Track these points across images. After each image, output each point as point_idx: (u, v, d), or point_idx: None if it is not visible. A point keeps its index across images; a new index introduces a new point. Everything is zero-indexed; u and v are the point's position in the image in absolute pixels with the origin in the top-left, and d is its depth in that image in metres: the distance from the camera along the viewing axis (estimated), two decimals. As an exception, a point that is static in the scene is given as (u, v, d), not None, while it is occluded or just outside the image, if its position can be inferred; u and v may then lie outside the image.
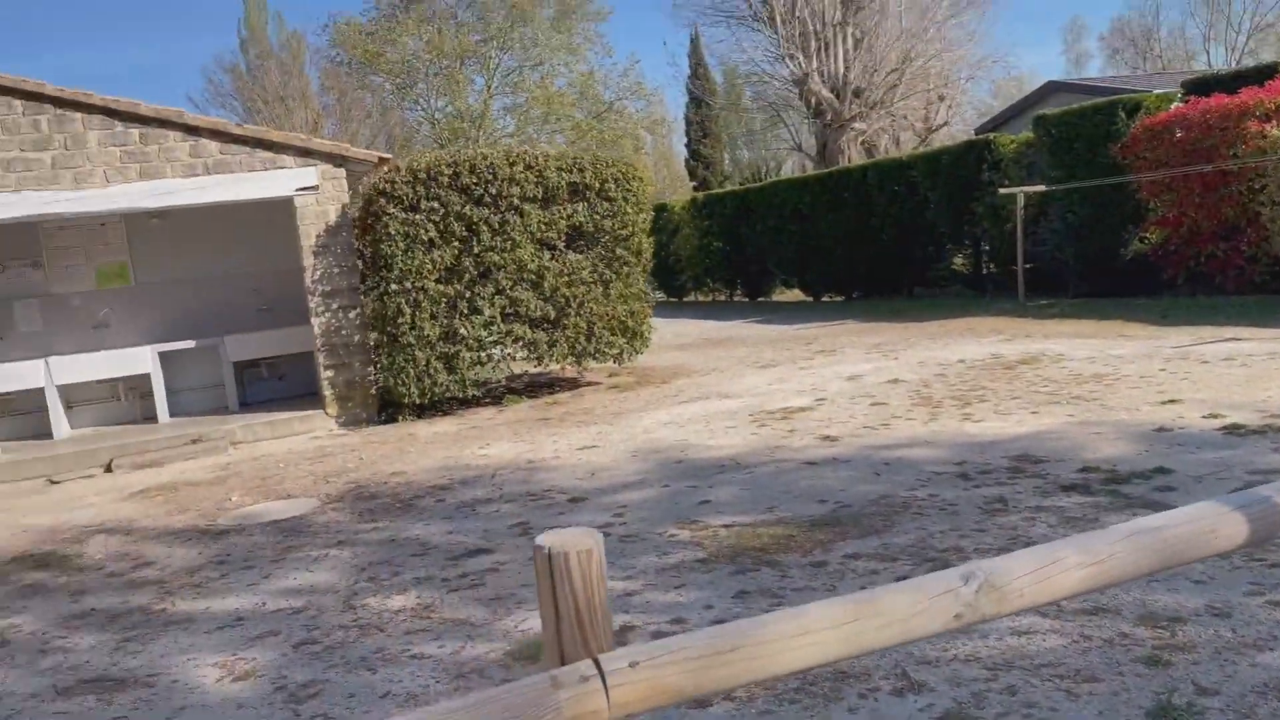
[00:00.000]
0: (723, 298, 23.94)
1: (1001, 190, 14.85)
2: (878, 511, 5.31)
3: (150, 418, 11.30)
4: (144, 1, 50.73)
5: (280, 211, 11.38)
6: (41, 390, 10.54)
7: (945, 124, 31.01)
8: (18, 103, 9.47)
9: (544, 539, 1.26)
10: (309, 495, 7.45)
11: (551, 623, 1.23)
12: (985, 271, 16.97)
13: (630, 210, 11.07)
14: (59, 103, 9.57)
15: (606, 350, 11.09)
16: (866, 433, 7.28)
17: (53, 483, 9.25)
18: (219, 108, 33.12)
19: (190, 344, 11.15)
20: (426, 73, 36.77)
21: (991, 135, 16.37)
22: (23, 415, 10.69)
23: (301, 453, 9.37)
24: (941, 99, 30.78)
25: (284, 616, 4.75)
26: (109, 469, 9.53)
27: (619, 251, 11.06)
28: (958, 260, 17.68)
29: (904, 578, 4.20)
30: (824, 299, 20.08)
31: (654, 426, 8.51)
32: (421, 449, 8.81)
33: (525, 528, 5.83)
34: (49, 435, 10.64)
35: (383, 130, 31.99)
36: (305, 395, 11.92)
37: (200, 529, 6.76)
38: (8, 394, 10.32)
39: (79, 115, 9.67)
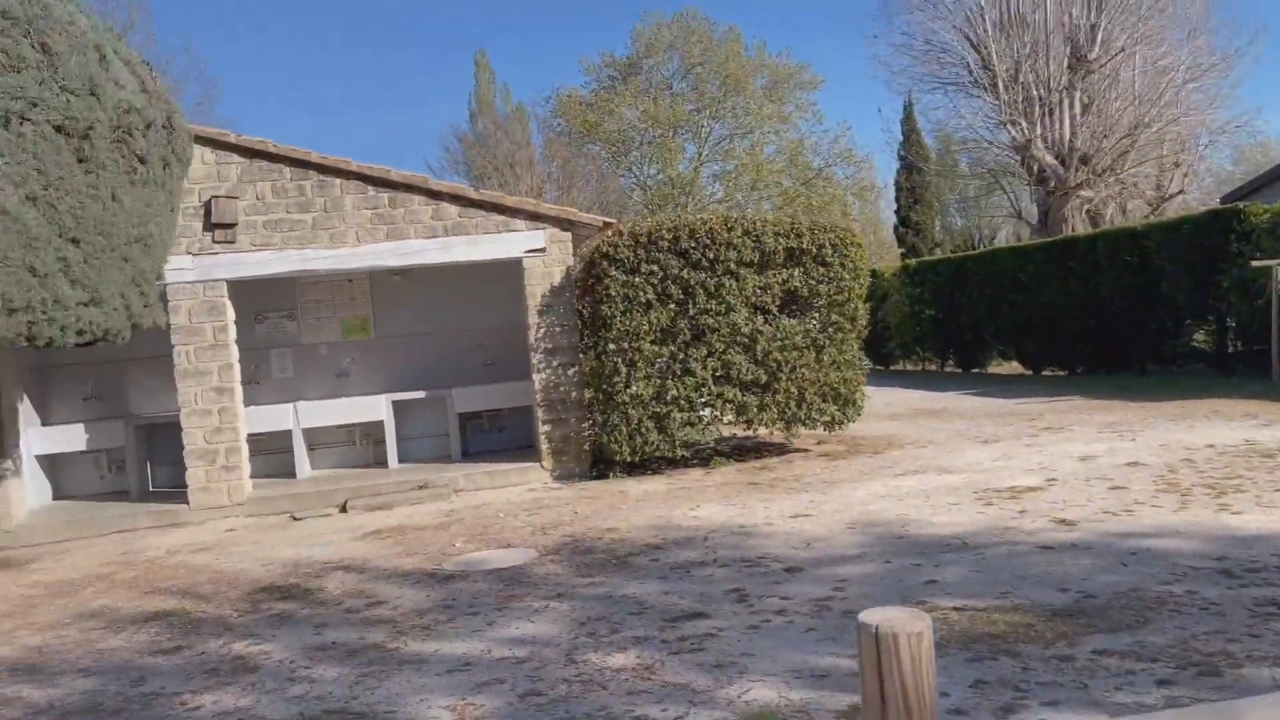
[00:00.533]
0: (933, 367, 23.17)
1: (1254, 263, 13.71)
2: (1128, 605, 4.90)
3: (381, 462, 12.01)
4: (388, 74, 55.20)
5: (508, 272, 11.96)
6: (289, 432, 11.41)
7: (1181, 192, 29.09)
8: (287, 169, 10.44)
9: (870, 617, 1.22)
10: (527, 545, 7.66)
11: (875, 706, 1.18)
12: (1231, 349, 15.64)
13: (847, 276, 10.93)
14: (321, 169, 10.48)
15: (817, 417, 10.92)
16: (1107, 518, 6.78)
17: (295, 519, 9.95)
18: (452, 173, 35.37)
19: (421, 394, 11.81)
20: (640, 141, 38.05)
21: (1241, 204, 15.18)
22: (272, 455, 11.58)
23: (519, 503, 9.67)
24: (1177, 165, 28.93)
25: (509, 665, 4.85)
26: (344, 509, 10.16)
27: (834, 317, 10.93)
28: (1199, 336, 16.39)
29: (1167, 681, 3.85)
30: (1044, 372, 19.06)
31: (869, 498, 8.26)
32: (633, 507, 8.91)
33: (741, 594, 5.75)
34: (293, 475, 11.48)
35: (599, 196, 33.30)
36: (522, 448, 12.35)
37: (427, 572, 7.06)
38: (260, 434, 11.22)
39: (338, 181, 10.55)
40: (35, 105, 7.39)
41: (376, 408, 11.61)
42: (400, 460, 11.78)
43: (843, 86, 56.22)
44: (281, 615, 6.22)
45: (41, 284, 7.39)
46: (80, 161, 7.85)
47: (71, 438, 10.98)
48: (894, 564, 6.11)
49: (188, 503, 10.34)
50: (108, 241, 8.17)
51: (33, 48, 7.37)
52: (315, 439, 11.89)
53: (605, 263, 10.55)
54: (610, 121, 36.90)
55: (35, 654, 5.84)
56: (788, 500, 8.54)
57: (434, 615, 5.89)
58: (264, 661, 5.27)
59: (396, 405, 11.74)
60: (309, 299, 12.10)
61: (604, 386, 10.64)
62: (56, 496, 11.43)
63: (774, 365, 10.71)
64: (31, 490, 10.70)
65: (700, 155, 38.83)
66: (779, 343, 10.72)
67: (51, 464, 11.33)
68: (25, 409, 10.74)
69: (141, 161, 8.63)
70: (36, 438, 10.81)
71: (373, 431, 12.12)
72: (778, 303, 10.80)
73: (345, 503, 10.28)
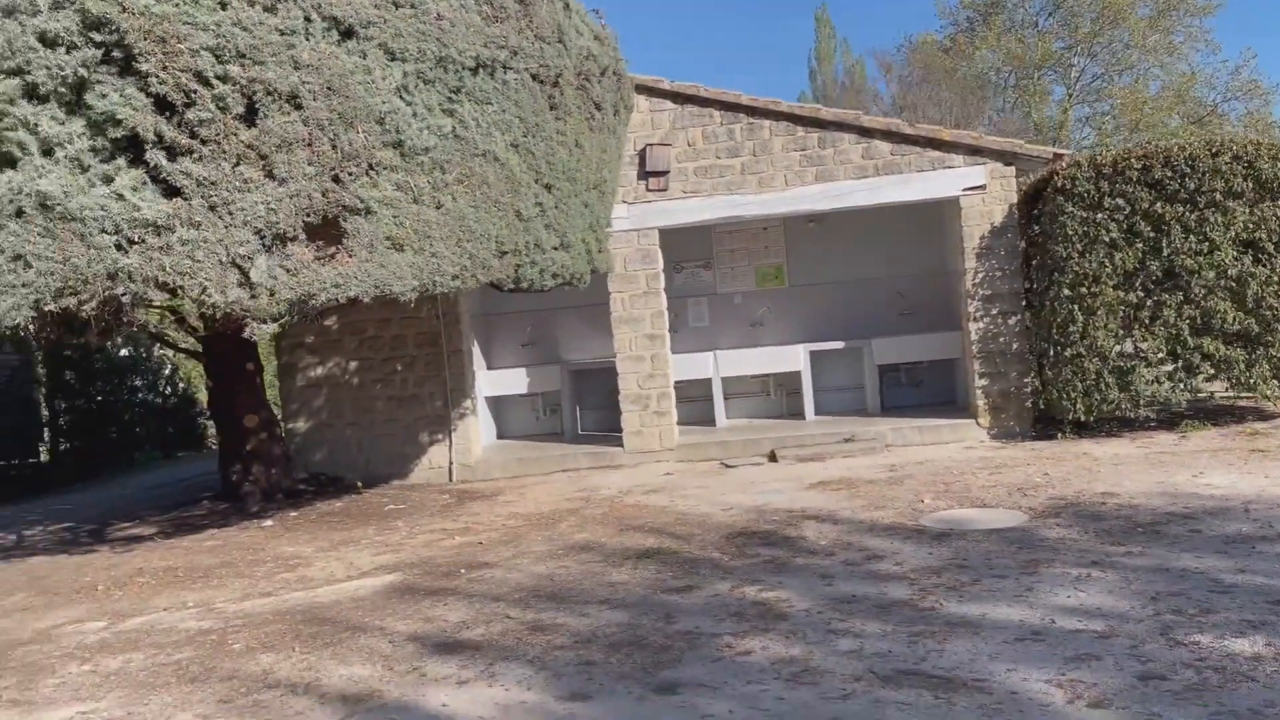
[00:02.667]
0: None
1: None
2: None
3: (794, 414, 11.72)
4: (724, 39, 55.15)
5: (929, 215, 11.18)
6: (707, 381, 11.40)
7: None
8: (716, 113, 10.29)
9: None
10: (1008, 507, 6.94)
11: None
12: None
13: (1367, 207, 9.05)
14: (751, 111, 10.23)
15: (1322, 376, 9.19)
16: None
17: (727, 466, 9.86)
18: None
19: (839, 345, 11.35)
20: (1001, 86, 35.30)
21: None
22: (688, 403, 11.63)
23: (965, 461, 8.94)
24: None
25: (1091, 640, 4.20)
26: (773, 458, 9.94)
27: (1348, 257, 9.11)
28: None
29: None
30: None
31: None
32: (1112, 470, 7.88)
33: (1348, 578, 4.70)
34: (709, 423, 11.47)
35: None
36: (940, 404, 11.56)
37: (909, 528, 6.56)
38: (680, 382, 11.27)
39: (766, 123, 10.25)
40: (515, 54, 7.62)
41: (794, 358, 11.30)
42: (816, 413, 11.40)
43: (1246, 3, 48.82)
44: (775, 562, 5.97)
45: (525, 228, 7.64)
46: (551, 109, 8.04)
47: (515, 381, 11.64)
48: None
49: (621, 446, 10.60)
50: (572, 187, 8.35)
51: (513, -2, 7.57)
52: (729, 388, 11.80)
53: (1059, 198, 9.45)
54: (967, 67, 34.45)
55: (549, 582, 6.00)
56: (1320, 470, 7.15)
57: (952, 575, 5.36)
58: (789, 610, 4.99)
59: (813, 356, 11.36)
60: (724, 248, 12.00)
61: (1054, 337, 9.59)
62: (498, 436, 12.21)
63: (1269, 314, 9.13)
64: (483, 429, 11.46)
65: (1069, 97, 35.30)
66: (1275, 287, 9.11)
67: (494, 405, 12.10)
68: (475, 354, 11.51)
69: (598, 108, 8.75)
70: (485, 381, 11.56)
71: (786, 382, 11.85)
72: (1275, 240, 9.16)
73: (772, 452, 10.07)
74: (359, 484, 10.31)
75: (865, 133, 10.18)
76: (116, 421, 16.63)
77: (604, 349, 12.01)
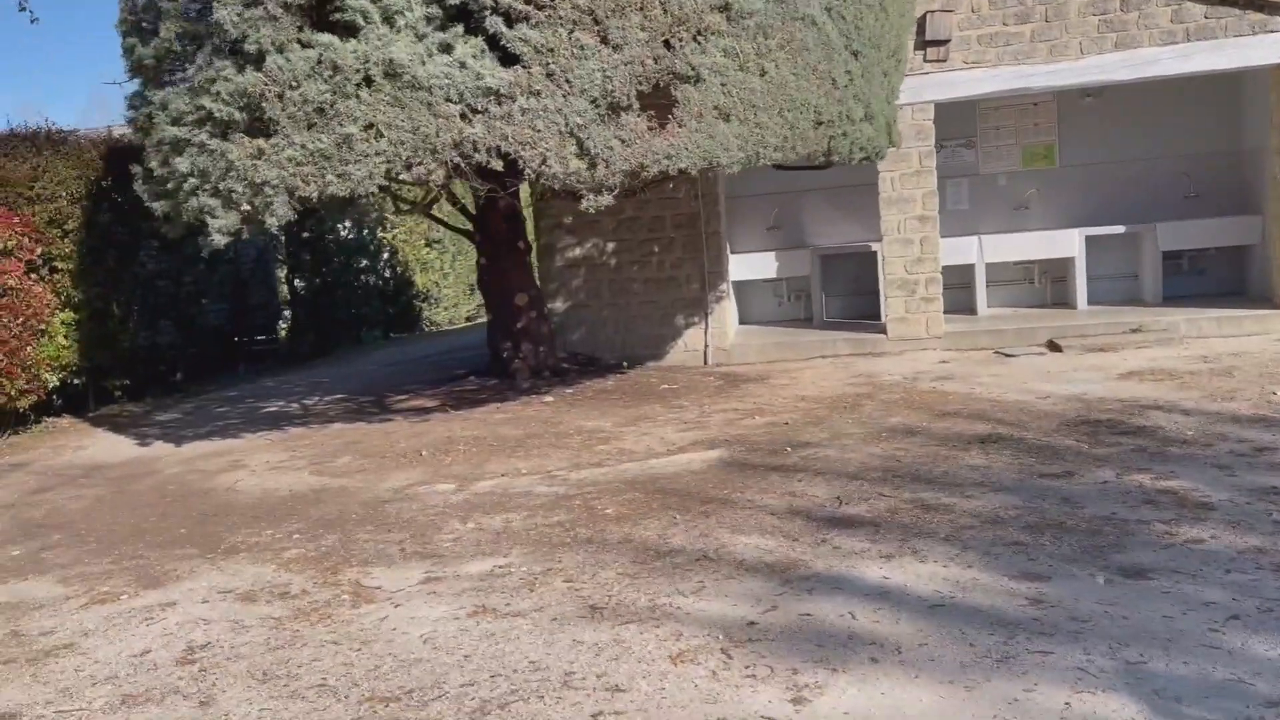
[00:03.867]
0: None
1: None
2: None
3: (1059, 303, 11.12)
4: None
5: (1219, 87, 10.18)
6: (967, 267, 10.88)
7: None
8: (1005, -25, 9.53)
9: None
10: (1381, 402, 6.34)
11: None
12: None
13: None
14: (1046, -28, 9.42)
15: None
16: None
17: (1004, 355, 9.43)
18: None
19: (1119, 229, 10.61)
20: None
21: None
22: (949, 290, 11.14)
23: (1288, 355, 8.26)
24: None
25: None
26: (1054, 348, 9.43)
27: None
28: None
29: None
30: None
31: None
32: None
33: None
34: (969, 311, 10.98)
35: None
36: (1225, 294, 10.72)
37: (1269, 419, 6.07)
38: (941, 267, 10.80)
39: (1060, -15, 9.43)
40: (830, -91, 7.12)
41: (1067, 243, 10.64)
42: (1087, 303, 10.75)
43: None
44: (1146, 451, 5.62)
45: (839, 98, 7.28)
46: (862, -32, 7.54)
47: (763, 265, 11.40)
48: None
49: (881, 333, 10.30)
50: (876, 55, 7.90)
51: None
52: (988, 275, 11.24)
53: None
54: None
55: (895, 463, 5.83)
56: None
57: (1377, 470, 4.91)
58: (1209, 500, 4.67)
59: (1088, 241, 10.66)
60: (990, 125, 11.29)
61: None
62: (740, 322, 12.07)
63: None
64: (732, 314, 11.33)
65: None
66: None
67: (737, 290, 11.92)
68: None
69: (899, -31, 8.19)
70: (734, 265, 11.37)
71: (1051, 269, 11.21)
72: None
73: (1051, 341, 9.56)
74: (624, 364, 10.39)
75: (1176, -7, 9.25)
76: (347, 301, 17.33)
77: (850, 234, 11.64)
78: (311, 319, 16.60)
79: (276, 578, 4.81)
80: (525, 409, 8.81)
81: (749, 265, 11.48)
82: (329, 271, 17.02)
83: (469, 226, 10.13)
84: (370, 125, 6.17)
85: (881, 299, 10.84)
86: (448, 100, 6.13)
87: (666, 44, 6.34)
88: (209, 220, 6.68)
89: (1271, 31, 9.11)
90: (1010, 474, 5.39)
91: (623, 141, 6.28)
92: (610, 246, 10.70)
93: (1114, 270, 11.06)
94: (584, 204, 6.52)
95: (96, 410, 11.02)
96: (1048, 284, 11.33)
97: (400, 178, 6.23)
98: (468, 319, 20.69)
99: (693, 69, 6.37)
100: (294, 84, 6.29)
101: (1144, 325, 9.57)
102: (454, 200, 10.03)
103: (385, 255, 19.17)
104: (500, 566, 4.63)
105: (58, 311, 10.45)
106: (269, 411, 10.19)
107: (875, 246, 11.08)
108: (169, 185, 7.15)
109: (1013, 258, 10.92)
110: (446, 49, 6.23)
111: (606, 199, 6.45)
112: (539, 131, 6.15)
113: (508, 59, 6.22)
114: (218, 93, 6.57)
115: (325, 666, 3.69)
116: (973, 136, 11.33)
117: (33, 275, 10.07)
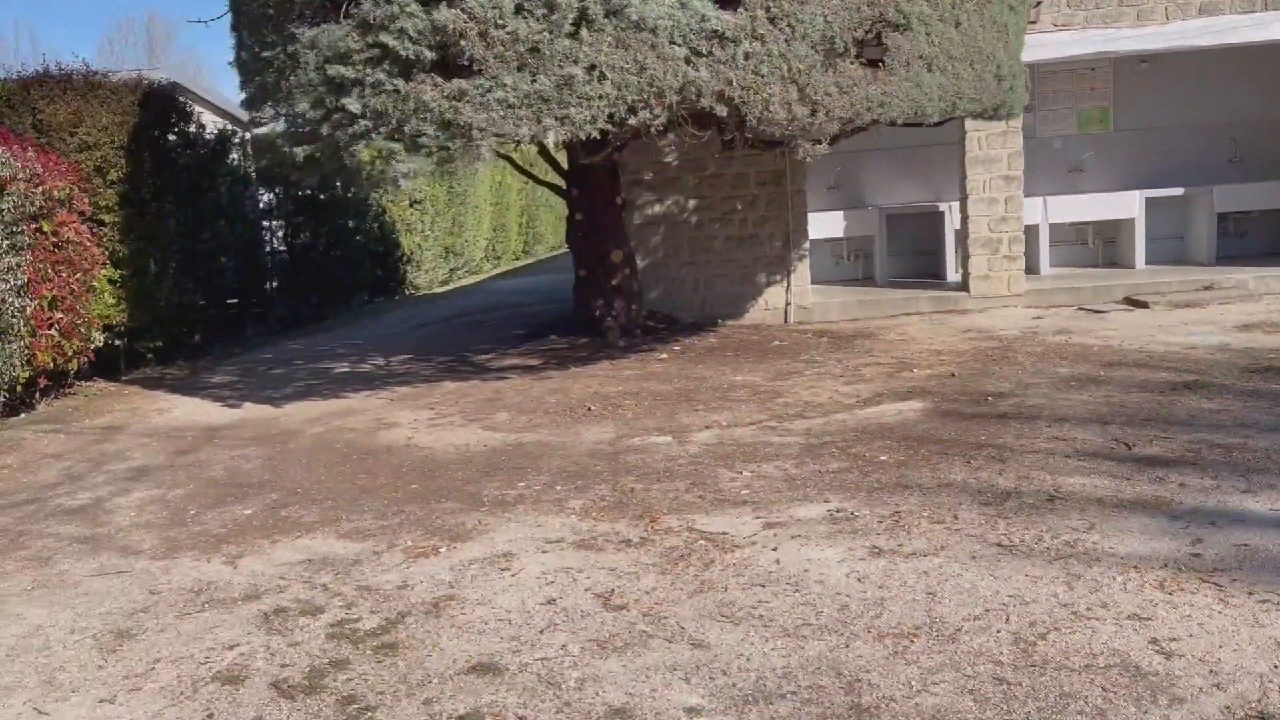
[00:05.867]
0: None
1: None
2: None
3: (1113, 263, 11.54)
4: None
5: (1266, 57, 10.68)
6: (1033, 227, 11.15)
7: None
8: (1098, -60, 9.74)
9: None
10: None
11: None
12: None
13: None
14: (1139, -62, 9.68)
15: None
16: None
17: (1092, 311, 9.71)
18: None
19: (1178, 191, 11.05)
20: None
21: None
22: (1009, 249, 11.41)
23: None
24: None
25: None
26: (1136, 304, 9.76)
27: None
28: None
29: None
30: None
31: None
32: None
33: None
34: (1035, 271, 11.27)
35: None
36: (1270, 254, 11.29)
37: None
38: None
39: (1150, -49, 9.71)
40: None
41: (1128, 204, 11.03)
42: (1145, 263, 11.18)
43: None
44: (1359, 394, 5.92)
45: (1013, 51, 7.33)
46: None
47: (831, 225, 11.46)
48: None
49: (960, 290, 10.50)
50: (1021, 11, 7.98)
51: None
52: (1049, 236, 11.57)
53: None
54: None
55: (1124, 410, 5.98)
56: None
57: None
58: None
59: (1147, 203, 11.06)
60: (1046, 89, 11.56)
61: None
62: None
63: None
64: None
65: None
66: None
67: (798, 250, 11.95)
68: (794, 195, 11.30)
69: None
70: (804, 223, 11.38)
71: (1103, 230, 11.61)
72: None
73: (1126, 298, 9.92)
74: (714, 321, 10.34)
75: (1260, -38, 9.63)
76: (348, 262, 16.69)
77: (909, 194, 11.82)
78: (315, 280, 15.94)
79: (592, 527, 4.65)
80: (646, 366, 8.68)
81: (818, 224, 11.50)
82: (330, 231, 16.37)
83: (557, 181, 9.88)
84: (593, 66, 5.94)
85: (948, 257, 11.07)
86: (672, 42, 5.95)
87: (879, -11, 6.28)
88: (392, 166, 6.34)
89: (1343, 3, 9.58)
90: (1258, 415, 5.59)
91: (840, 89, 6.21)
92: (692, 204, 10.59)
93: (1166, 231, 11.51)
94: (800, 154, 6.42)
95: (129, 373, 10.39)
96: (1100, 245, 11.73)
97: (628, 122, 6.01)
98: (442, 283, 20.19)
99: (904, 16, 6.33)
100: (499, 22, 6.00)
101: (1215, 283, 10.01)
102: (545, 153, 9.76)
103: (372, 215, 18.53)
104: (836, 511, 4.58)
105: (104, 267, 9.79)
106: (341, 372, 9.79)
107: (942, 206, 11.28)
108: (322, 129, 6.76)
109: (1075, 218, 11.26)
110: (664, -12, 6.03)
111: (824, 149, 6.38)
112: (762, 77, 6.02)
113: (727, 1, 6.06)
114: (401, 29, 6.22)
115: (782, 606, 3.59)
116: (1031, 100, 11.55)
117: (83, 228, 9.41)
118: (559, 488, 5.33)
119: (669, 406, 7.05)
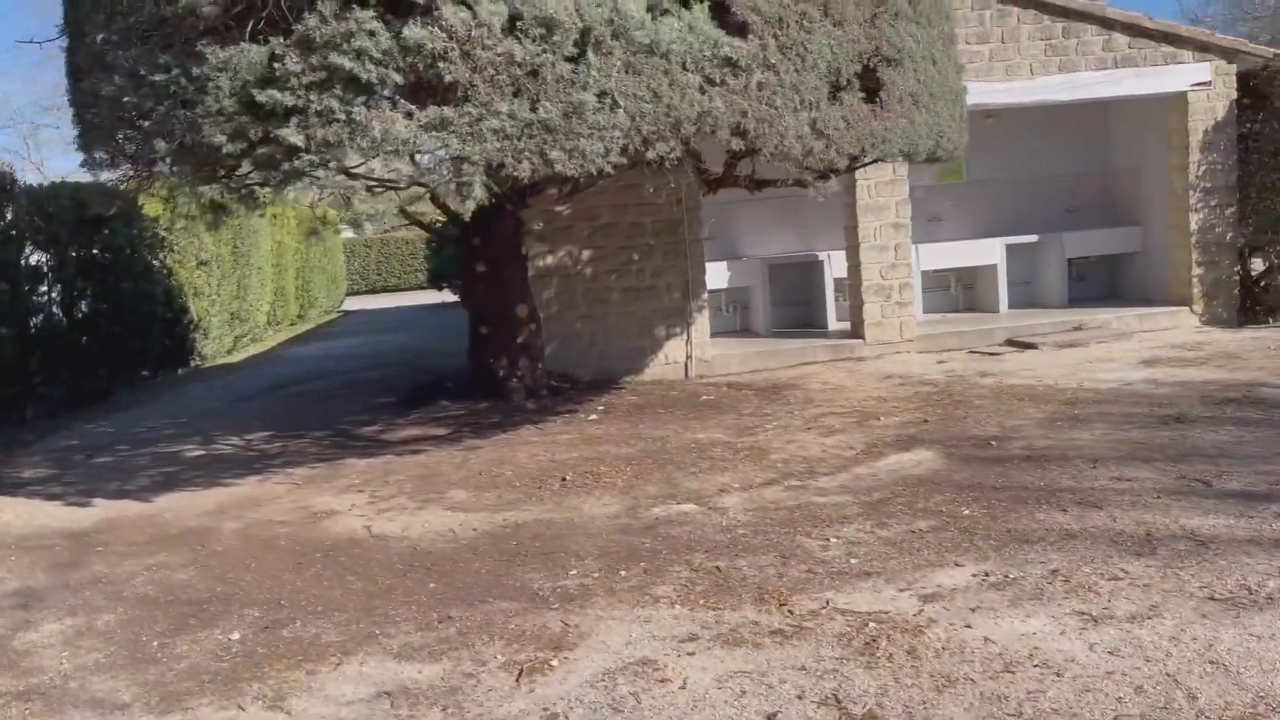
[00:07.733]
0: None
1: None
2: None
3: (973, 308, 11.98)
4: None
5: (1096, 111, 11.58)
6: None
7: None
8: (968, -3, 10.16)
9: None
10: None
11: None
12: None
13: None
14: (1002, -2, 10.18)
15: None
16: None
17: (986, 354, 9.94)
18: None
19: (1033, 238, 11.64)
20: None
21: None
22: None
23: (1226, 343, 9.49)
24: None
25: None
26: (1022, 346, 10.07)
27: None
28: None
29: None
30: None
31: None
32: None
33: None
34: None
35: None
36: (1106, 296, 12.14)
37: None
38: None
39: (1014, 9, 10.24)
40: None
41: (991, 251, 11.50)
42: (1008, 306, 11.68)
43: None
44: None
45: (965, 93, 7.33)
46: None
47: (716, 275, 11.14)
48: None
49: (853, 337, 10.49)
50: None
51: None
52: (910, 283, 11.85)
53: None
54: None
55: (1141, 448, 5.94)
56: None
57: None
58: None
59: (1006, 250, 11.59)
60: (907, 141, 11.92)
61: (1272, 229, 10.28)
62: (677, 334, 11.70)
63: None
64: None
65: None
66: None
67: (675, 302, 11.56)
68: (680, 245, 10.94)
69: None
70: (690, 273, 11.01)
71: (964, 276, 12.06)
72: None
73: (1009, 340, 10.26)
74: (620, 376, 9.70)
75: (1107, 24, 10.37)
76: (133, 332, 14.63)
77: (787, 243, 11.79)
78: (103, 352, 13.82)
79: (717, 618, 3.90)
80: (581, 429, 7.91)
81: (710, 275, 11.18)
82: (116, 296, 14.29)
83: (432, 230, 8.96)
84: (604, 93, 5.27)
85: (829, 305, 11.10)
86: (685, 69, 5.40)
87: (873, 22, 6.05)
88: (347, 205, 5.36)
89: (1180, 63, 10.48)
90: (1276, 444, 5.69)
91: (847, 122, 5.89)
92: (586, 254, 9.96)
93: (1019, 277, 12.10)
94: (810, 192, 6.01)
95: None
96: (960, 290, 12.16)
97: (648, 156, 5.36)
98: (228, 351, 18.18)
99: (897, 50, 6.13)
100: (486, 42, 5.23)
101: (1084, 324, 10.56)
102: (435, 200, 8.84)
103: (159, 278, 16.45)
104: (985, 575, 4.10)
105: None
106: (196, 456, 8.27)
107: (821, 255, 11.30)
108: (241, 165, 5.66)
109: (945, 265, 11.60)
110: (665, 11, 5.48)
111: (834, 185, 6.00)
112: (776, 109, 5.59)
113: (735, 29, 5.60)
114: (360, 49, 5.30)
115: (1065, 694, 3.04)
116: (894, 151, 11.90)
117: None
118: (622, 573, 4.53)
119: (652, 471, 6.36)
